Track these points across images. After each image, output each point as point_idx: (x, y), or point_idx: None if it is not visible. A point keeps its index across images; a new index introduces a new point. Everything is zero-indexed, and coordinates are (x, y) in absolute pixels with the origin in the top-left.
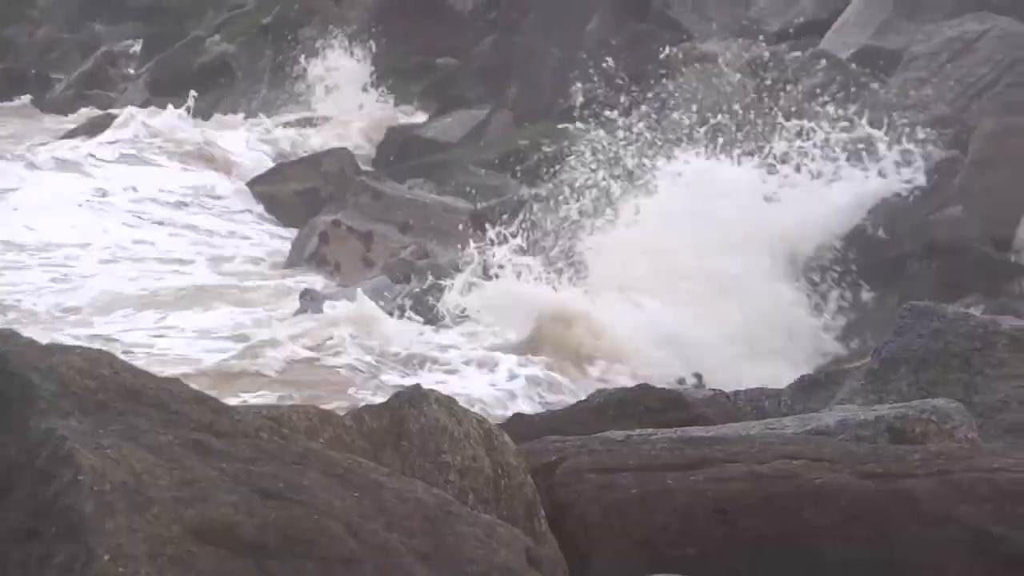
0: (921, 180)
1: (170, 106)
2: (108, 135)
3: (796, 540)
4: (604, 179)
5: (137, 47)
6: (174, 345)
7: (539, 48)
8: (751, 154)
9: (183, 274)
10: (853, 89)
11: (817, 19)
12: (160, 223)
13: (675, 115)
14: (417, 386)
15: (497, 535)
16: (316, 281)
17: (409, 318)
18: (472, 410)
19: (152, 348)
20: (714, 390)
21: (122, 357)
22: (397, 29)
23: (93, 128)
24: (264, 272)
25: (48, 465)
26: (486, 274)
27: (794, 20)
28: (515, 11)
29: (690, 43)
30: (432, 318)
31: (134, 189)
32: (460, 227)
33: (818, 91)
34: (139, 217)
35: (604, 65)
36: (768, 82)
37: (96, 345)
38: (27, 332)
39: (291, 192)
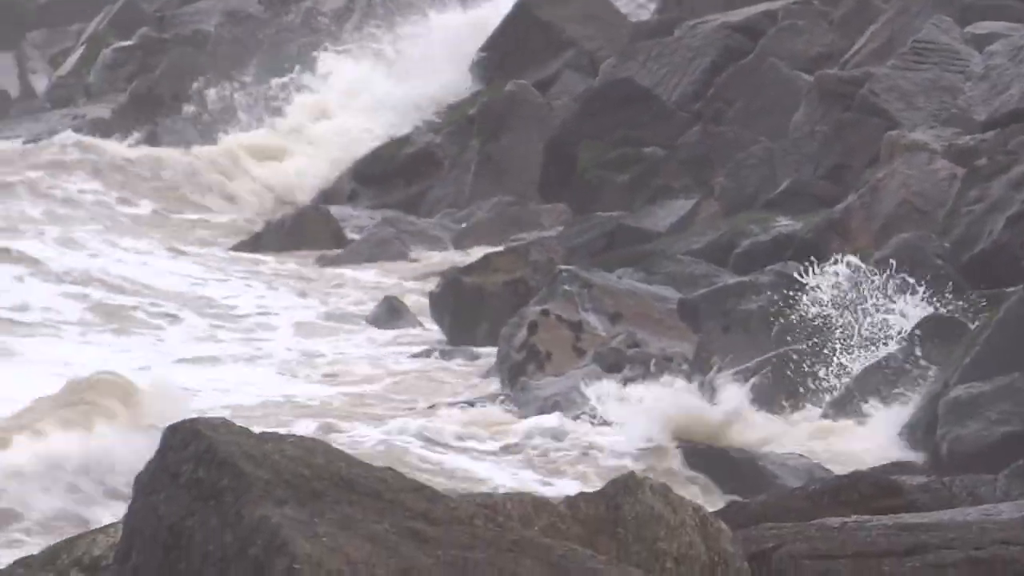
0: None
1: None
2: None
3: None
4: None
5: None
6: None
7: (745, 138)
8: None
9: None
10: None
11: None
12: None
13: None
14: (632, 473)
15: None
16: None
17: None
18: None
19: None
20: (928, 477)
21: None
22: (602, 120)
23: None
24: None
25: (263, 554)
26: None
27: (1001, 108)
28: (720, 101)
29: (898, 131)
30: None
31: None
32: (670, 316)
33: None
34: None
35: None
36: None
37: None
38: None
39: (500, 283)
